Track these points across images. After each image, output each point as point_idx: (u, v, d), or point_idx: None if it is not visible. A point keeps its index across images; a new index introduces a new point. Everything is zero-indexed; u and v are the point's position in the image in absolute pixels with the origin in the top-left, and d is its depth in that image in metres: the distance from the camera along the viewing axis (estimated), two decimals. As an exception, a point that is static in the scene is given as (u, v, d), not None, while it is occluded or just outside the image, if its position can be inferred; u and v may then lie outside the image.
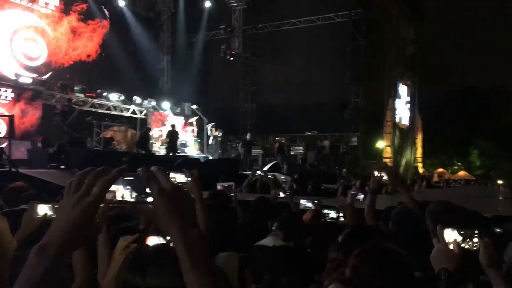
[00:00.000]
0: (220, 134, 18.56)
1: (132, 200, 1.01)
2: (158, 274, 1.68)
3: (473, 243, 1.77)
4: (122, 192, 1.01)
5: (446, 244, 1.77)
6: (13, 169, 9.10)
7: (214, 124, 18.64)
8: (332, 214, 3.49)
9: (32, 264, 0.94)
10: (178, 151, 17.70)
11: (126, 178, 0.99)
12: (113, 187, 0.99)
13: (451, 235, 1.79)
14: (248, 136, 18.26)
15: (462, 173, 38.56)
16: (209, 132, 18.69)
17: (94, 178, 0.98)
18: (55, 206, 2.14)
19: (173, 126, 17.30)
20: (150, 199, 0.97)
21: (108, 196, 0.99)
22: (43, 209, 2.14)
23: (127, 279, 1.73)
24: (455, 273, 1.72)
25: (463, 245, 1.77)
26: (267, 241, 3.09)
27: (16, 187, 4.40)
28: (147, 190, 0.97)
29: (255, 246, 2.88)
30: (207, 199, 3.92)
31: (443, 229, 1.79)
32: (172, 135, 16.64)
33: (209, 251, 0.99)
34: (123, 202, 1.02)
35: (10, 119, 10.95)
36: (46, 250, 0.94)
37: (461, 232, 1.78)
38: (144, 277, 1.68)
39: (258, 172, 9.77)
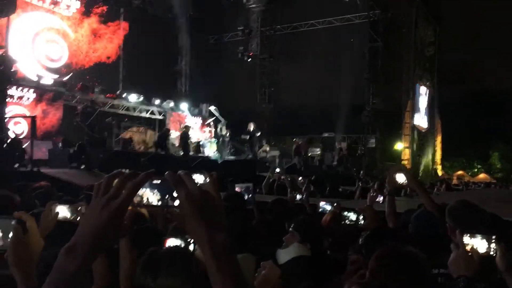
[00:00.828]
0: (228, 134, 18.40)
1: (159, 203, 1.02)
2: (170, 276, 1.71)
3: (491, 248, 1.77)
4: (148, 196, 1.01)
5: (465, 250, 1.77)
6: (35, 169, 9.30)
7: (225, 123, 18.54)
8: (352, 216, 3.47)
9: (61, 266, 0.93)
10: (195, 152, 17.74)
11: (153, 182, 1.00)
12: (140, 191, 0.99)
13: (469, 241, 1.78)
14: (251, 127, 17.69)
15: (482, 175, 37.93)
16: (218, 131, 18.63)
17: (123, 180, 0.97)
18: (77, 208, 2.13)
19: (186, 127, 17.13)
20: (176, 203, 0.98)
21: (135, 199, 0.99)
22: (61, 210, 2.13)
23: (140, 280, 1.76)
24: (474, 279, 1.71)
25: (481, 250, 1.76)
26: (291, 251, 3.01)
27: (40, 187, 4.49)
28: (174, 193, 0.97)
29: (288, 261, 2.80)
30: (223, 201, 3.91)
31: (462, 235, 1.79)
32: (182, 136, 16.54)
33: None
34: (149, 206, 1.03)
35: (33, 120, 11.16)
36: (75, 252, 0.93)
37: (480, 238, 1.78)
38: (156, 278, 1.71)
39: (277, 170, 9.59)
